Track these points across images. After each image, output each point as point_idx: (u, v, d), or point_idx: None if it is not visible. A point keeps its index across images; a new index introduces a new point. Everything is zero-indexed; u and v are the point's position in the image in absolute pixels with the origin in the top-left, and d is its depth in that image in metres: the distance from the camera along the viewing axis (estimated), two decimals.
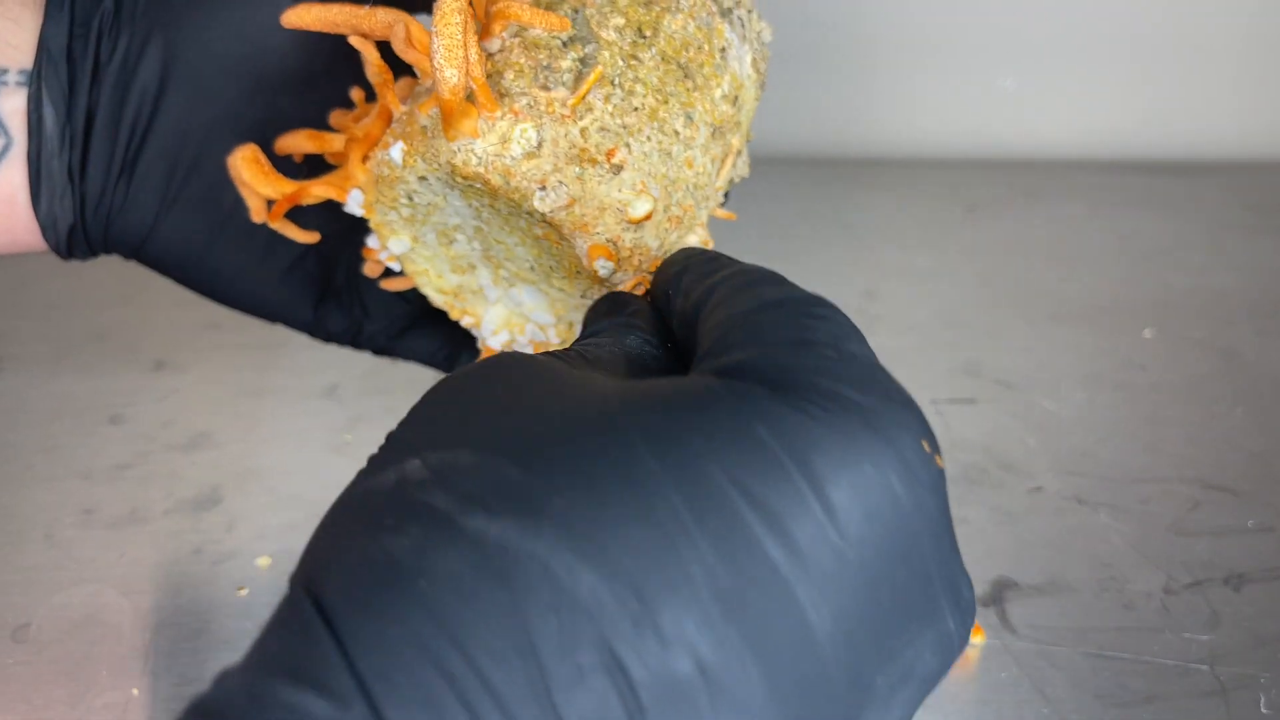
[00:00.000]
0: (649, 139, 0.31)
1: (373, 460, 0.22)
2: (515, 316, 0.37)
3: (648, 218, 0.31)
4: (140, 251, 0.37)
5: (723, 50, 0.34)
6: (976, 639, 0.42)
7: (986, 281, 0.70)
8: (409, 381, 0.57)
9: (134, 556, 0.46)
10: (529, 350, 0.37)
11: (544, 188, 0.30)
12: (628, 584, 0.18)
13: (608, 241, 0.31)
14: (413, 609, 0.18)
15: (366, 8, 0.31)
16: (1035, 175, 0.86)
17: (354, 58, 0.35)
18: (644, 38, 0.32)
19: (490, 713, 0.17)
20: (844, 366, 0.22)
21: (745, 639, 0.19)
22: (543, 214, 0.30)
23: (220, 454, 0.52)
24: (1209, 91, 0.89)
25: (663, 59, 0.32)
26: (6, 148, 0.34)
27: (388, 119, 0.33)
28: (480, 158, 0.30)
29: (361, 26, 0.31)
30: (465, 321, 0.38)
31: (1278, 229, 0.78)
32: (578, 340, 0.28)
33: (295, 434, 0.53)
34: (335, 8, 0.31)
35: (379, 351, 0.42)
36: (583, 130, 0.30)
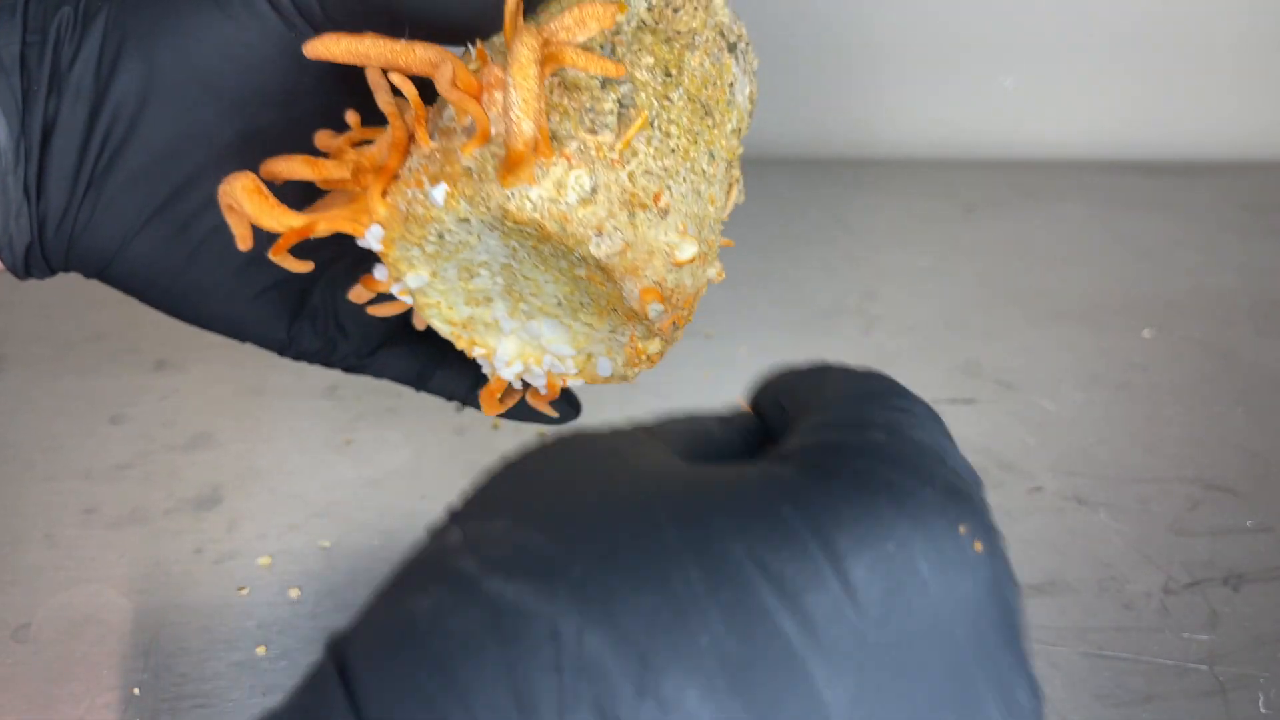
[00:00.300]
0: (685, 180, 0.32)
1: (428, 531, 0.23)
2: (531, 348, 0.36)
3: (693, 260, 0.32)
4: (106, 272, 0.35)
5: (731, 85, 0.34)
6: None
7: (986, 282, 0.70)
8: None
9: (135, 556, 0.46)
10: (542, 381, 0.37)
11: (600, 233, 0.30)
12: (633, 649, 0.18)
13: (655, 283, 0.31)
14: (422, 664, 0.19)
15: (404, 42, 0.30)
16: (1035, 175, 0.86)
17: (341, 75, 0.34)
18: (670, 76, 0.32)
19: None
20: (891, 449, 0.22)
21: (750, 712, 0.18)
22: (597, 259, 0.31)
23: (221, 454, 0.52)
24: (1208, 92, 0.89)
25: (689, 98, 0.33)
26: None
27: (404, 150, 0.32)
28: (536, 204, 0.30)
29: (399, 62, 0.29)
30: (476, 352, 0.37)
31: (1277, 229, 0.78)
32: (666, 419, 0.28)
33: (296, 434, 0.53)
34: (369, 40, 0.30)
35: (350, 370, 0.40)
36: (630, 174, 0.30)
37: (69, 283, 0.66)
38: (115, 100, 0.32)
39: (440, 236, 0.32)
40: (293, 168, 0.32)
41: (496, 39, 0.32)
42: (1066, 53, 0.87)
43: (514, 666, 0.18)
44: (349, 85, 0.36)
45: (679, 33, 0.33)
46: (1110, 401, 0.57)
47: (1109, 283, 0.70)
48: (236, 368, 0.58)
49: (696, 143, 0.32)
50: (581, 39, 0.30)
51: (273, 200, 0.31)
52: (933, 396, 0.57)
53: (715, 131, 0.33)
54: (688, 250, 0.32)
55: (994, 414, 0.56)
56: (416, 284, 0.34)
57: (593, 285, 0.32)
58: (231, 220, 0.32)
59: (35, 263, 0.34)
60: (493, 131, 0.30)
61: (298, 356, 0.40)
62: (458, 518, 0.22)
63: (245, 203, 0.31)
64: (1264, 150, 0.91)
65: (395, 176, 0.32)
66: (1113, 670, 0.40)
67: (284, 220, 0.31)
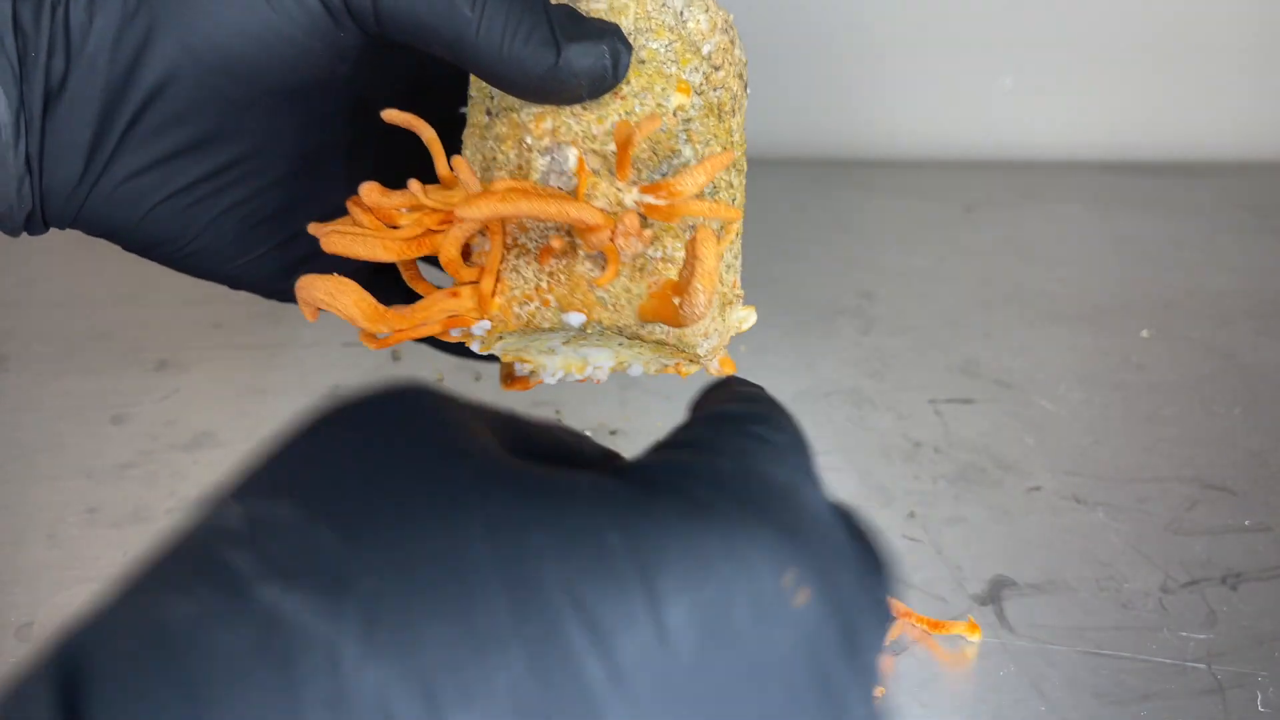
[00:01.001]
0: (737, 257, 0.34)
1: (200, 502, 0.20)
2: (576, 362, 0.36)
3: (750, 326, 0.34)
4: (109, 237, 0.34)
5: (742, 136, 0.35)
6: (974, 637, 0.42)
7: (985, 281, 0.70)
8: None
9: (137, 555, 0.46)
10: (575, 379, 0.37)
11: (706, 337, 0.32)
12: (419, 685, 0.16)
13: (725, 351, 0.34)
14: (173, 691, 0.16)
15: (553, 199, 0.29)
16: (1034, 176, 0.86)
17: (376, 73, 0.35)
18: (739, 170, 0.34)
19: None
20: (735, 481, 0.20)
21: None
22: (699, 356, 0.32)
23: (223, 453, 0.52)
24: (1207, 92, 0.89)
25: (737, 170, 0.34)
26: None
27: (502, 251, 0.32)
28: (706, 348, 0.32)
29: (570, 215, 0.29)
30: (519, 368, 0.37)
31: (1276, 229, 0.78)
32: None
33: None
34: (540, 195, 0.29)
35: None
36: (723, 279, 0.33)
37: (72, 282, 0.66)
38: (141, 80, 0.31)
39: (541, 333, 0.33)
40: (370, 249, 0.31)
41: (522, 114, 0.32)
42: (1065, 53, 0.87)
43: (285, 701, 0.16)
44: (383, 84, 0.36)
45: (722, 99, 0.34)
46: (1109, 401, 0.58)
47: (1107, 283, 0.70)
48: (238, 368, 0.58)
49: (741, 216, 0.33)
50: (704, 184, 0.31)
51: (375, 305, 0.30)
52: (931, 396, 0.57)
53: (740, 179, 0.35)
54: (751, 320, 0.34)
55: (993, 414, 0.56)
56: (498, 351, 0.35)
57: (663, 349, 0.33)
58: (306, 310, 0.31)
59: (35, 226, 0.33)
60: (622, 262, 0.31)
61: (285, 300, 0.39)
62: (242, 490, 0.19)
63: (353, 310, 0.30)
64: (1263, 150, 0.91)
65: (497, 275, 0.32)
66: (1111, 669, 0.41)
67: (393, 324, 0.31)
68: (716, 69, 0.33)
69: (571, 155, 0.31)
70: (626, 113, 0.32)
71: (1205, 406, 0.57)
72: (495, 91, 0.33)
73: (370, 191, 0.31)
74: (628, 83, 0.32)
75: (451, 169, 0.31)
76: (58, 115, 0.31)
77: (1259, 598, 0.44)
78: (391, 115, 0.31)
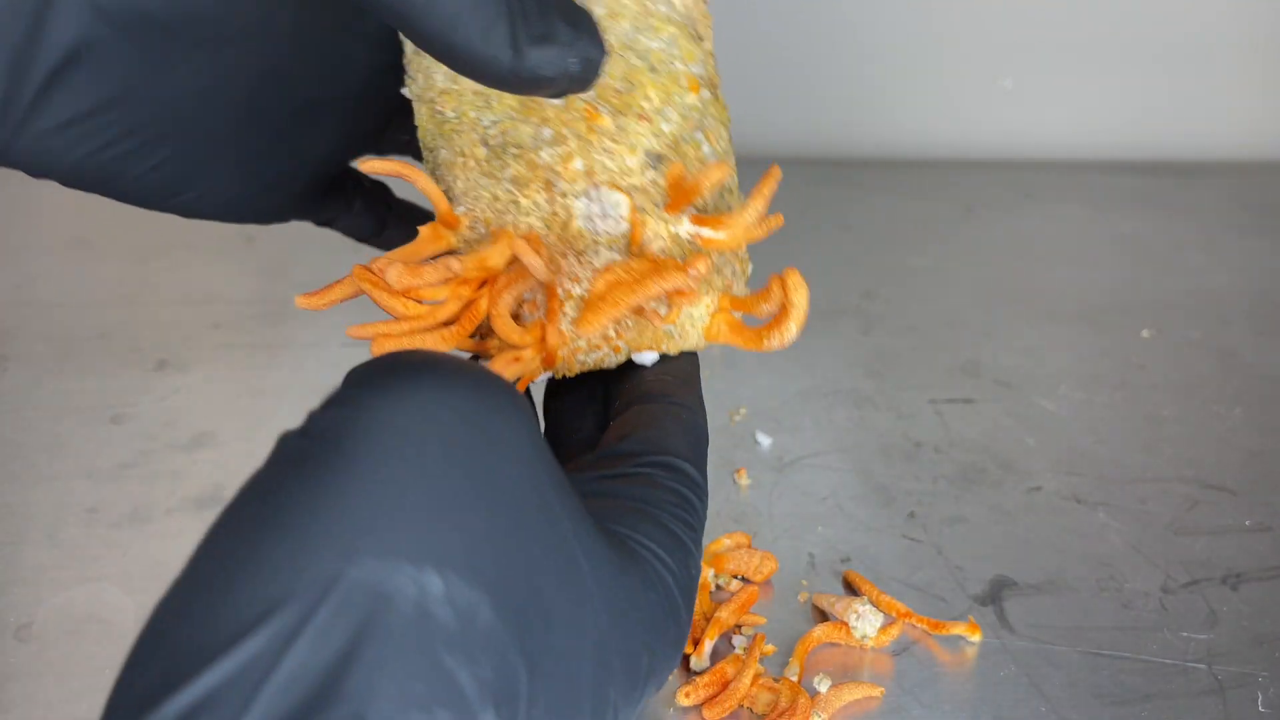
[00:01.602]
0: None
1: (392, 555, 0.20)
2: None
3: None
4: (51, 178, 0.34)
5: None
6: (974, 637, 0.42)
7: (985, 282, 0.70)
8: None
9: (136, 555, 0.46)
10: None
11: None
12: None
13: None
14: None
15: (671, 275, 0.29)
16: (1034, 176, 0.86)
17: (312, 22, 0.33)
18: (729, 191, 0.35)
19: None
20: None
21: None
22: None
23: (222, 453, 0.52)
24: (1206, 93, 0.89)
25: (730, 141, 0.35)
26: None
27: (558, 303, 0.32)
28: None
29: (672, 287, 0.30)
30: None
31: (1275, 229, 0.78)
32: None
33: None
34: (639, 286, 0.29)
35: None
36: None
37: (72, 282, 0.66)
38: (49, 39, 0.30)
39: None
40: (432, 345, 0.30)
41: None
42: (1065, 54, 0.87)
43: None
44: (317, 28, 0.34)
45: (712, 73, 0.33)
46: (1109, 401, 0.58)
47: (1108, 283, 0.70)
48: (238, 367, 0.58)
49: None
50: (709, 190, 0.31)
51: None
52: (931, 396, 0.57)
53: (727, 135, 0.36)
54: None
55: (993, 414, 0.56)
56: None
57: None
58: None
59: None
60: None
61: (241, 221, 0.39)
62: (436, 556, 0.19)
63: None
64: (1263, 150, 0.91)
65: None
66: (1112, 669, 0.41)
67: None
68: (702, 40, 0.32)
69: (621, 201, 0.31)
70: (655, 134, 0.31)
71: (1206, 406, 0.57)
72: (487, 115, 0.31)
73: (398, 275, 0.29)
74: (648, 99, 0.31)
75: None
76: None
77: (1259, 598, 0.44)
78: (371, 166, 0.30)
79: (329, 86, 0.36)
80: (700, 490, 0.30)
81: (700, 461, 0.31)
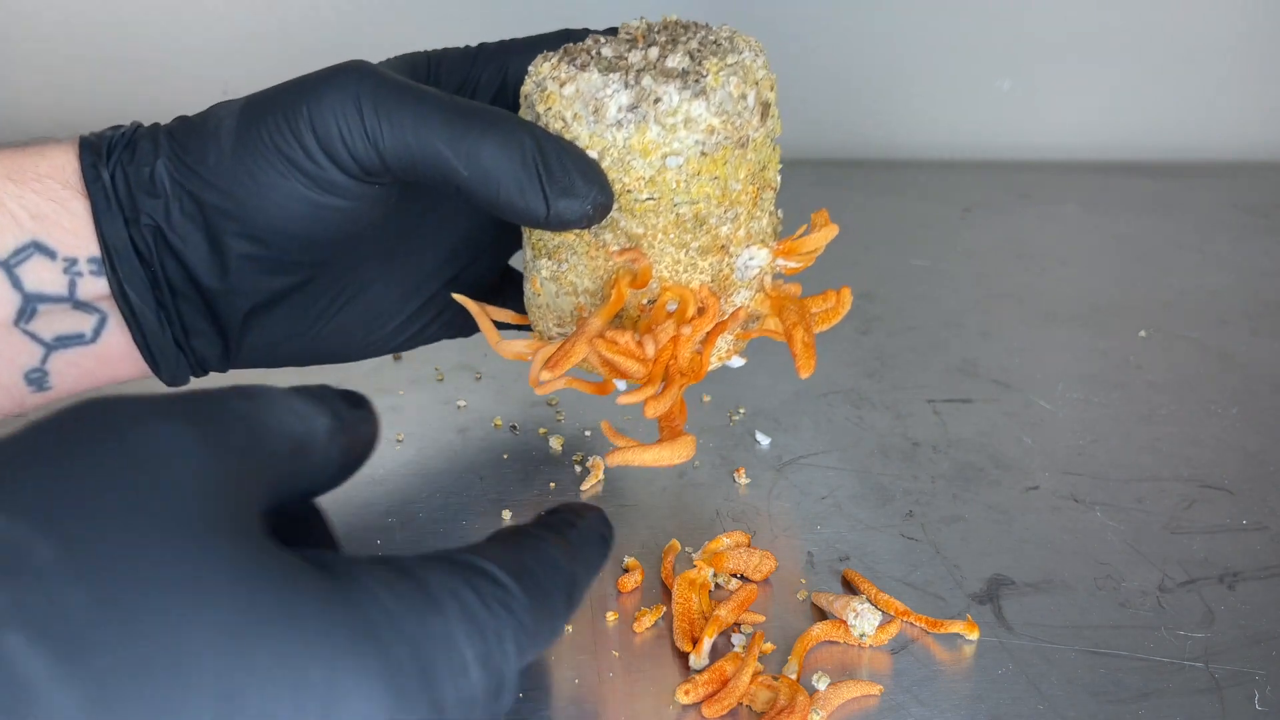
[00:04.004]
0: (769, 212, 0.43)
1: None
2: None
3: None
4: (273, 365, 0.43)
5: None
6: (972, 635, 0.42)
7: (983, 282, 0.71)
8: (410, 381, 0.57)
9: None
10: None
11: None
12: None
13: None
14: None
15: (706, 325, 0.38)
16: (1031, 176, 0.86)
17: (393, 217, 0.40)
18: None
19: None
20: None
21: None
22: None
23: None
24: (1204, 94, 0.89)
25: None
26: (103, 321, 0.38)
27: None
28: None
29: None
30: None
31: (1272, 230, 0.78)
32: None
33: None
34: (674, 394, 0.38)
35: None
36: None
37: None
38: (230, 268, 0.38)
39: None
40: (673, 455, 0.38)
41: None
42: (1062, 55, 0.88)
43: None
44: (403, 222, 0.41)
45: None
46: (1106, 401, 0.58)
47: (1105, 283, 0.70)
48: (237, 368, 0.58)
49: None
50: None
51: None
52: (930, 396, 0.58)
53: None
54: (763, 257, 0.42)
55: (991, 413, 0.56)
56: None
57: None
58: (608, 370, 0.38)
59: (197, 374, 0.41)
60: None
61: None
62: (28, 496, 0.20)
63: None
64: (1260, 151, 0.91)
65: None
66: (1109, 668, 0.41)
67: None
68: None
69: (766, 255, 0.39)
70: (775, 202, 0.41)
71: (1203, 406, 0.57)
72: (684, 198, 0.37)
73: (655, 409, 0.37)
74: (776, 174, 0.40)
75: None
76: (188, 308, 0.38)
77: (1256, 597, 0.44)
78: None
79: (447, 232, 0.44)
80: (504, 595, 0.25)
81: (527, 582, 0.26)
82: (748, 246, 0.39)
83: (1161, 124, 0.91)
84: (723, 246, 0.38)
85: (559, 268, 0.39)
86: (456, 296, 0.41)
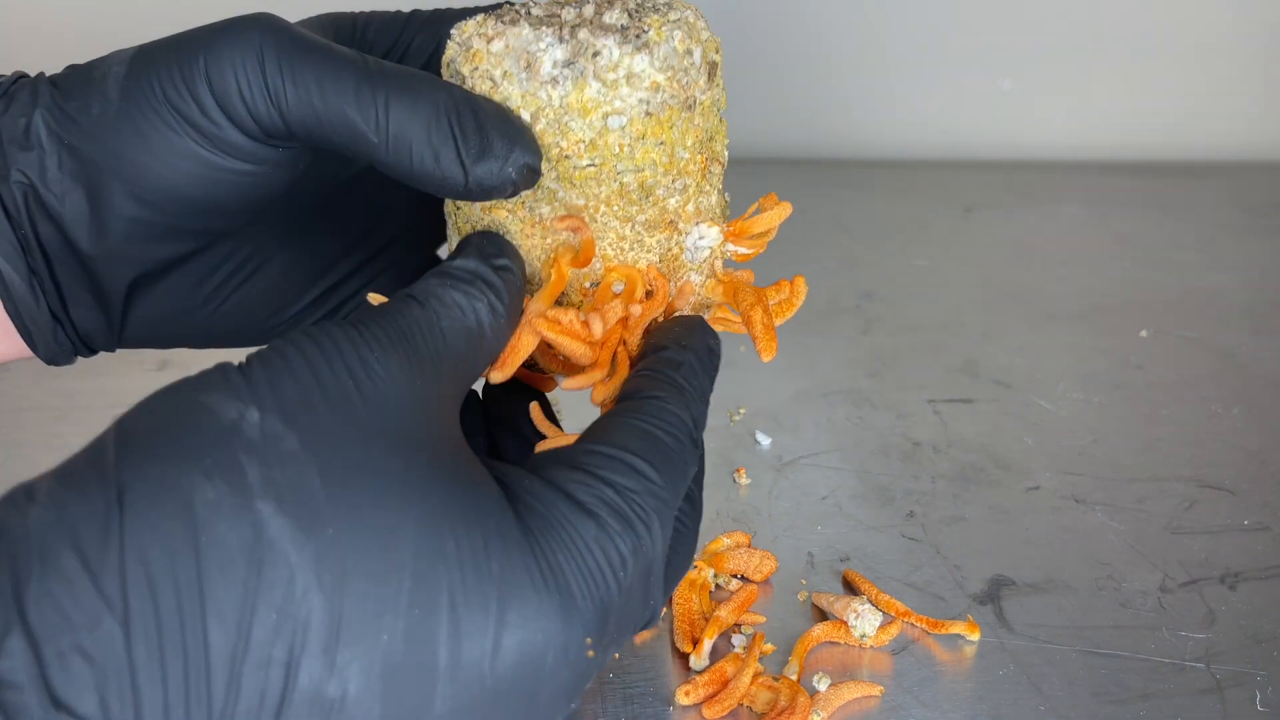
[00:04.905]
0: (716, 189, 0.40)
1: (228, 373, 0.26)
2: None
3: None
4: (165, 345, 0.40)
5: None
6: (973, 636, 0.42)
7: (984, 282, 0.70)
8: None
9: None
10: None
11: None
12: (335, 618, 0.23)
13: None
14: (185, 557, 0.23)
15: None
16: (1033, 176, 0.86)
17: (305, 186, 0.36)
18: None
19: (198, 653, 0.23)
20: (590, 563, 0.27)
21: (384, 699, 0.24)
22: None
23: None
24: (1205, 93, 0.89)
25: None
26: None
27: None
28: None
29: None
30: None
31: (1273, 229, 0.78)
32: (438, 275, 0.31)
33: None
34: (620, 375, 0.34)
35: None
36: None
37: None
38: (114, 232, 0.34)
39: None
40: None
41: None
42: (1064, 55, 0.88)
43: (253, 597, 0.23)
44: (312, 194, 0.38)
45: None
46: (1107, 401, 0.58)
47: (1106, 283, 0.70)
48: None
49: None
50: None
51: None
52: (930, 396, 0.58)
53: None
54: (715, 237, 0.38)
55: (992, 413, 0.56)
56: None
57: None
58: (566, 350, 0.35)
59: (84, 353, 0.38)
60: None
61: None
62: (258, 387, 0.25)
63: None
64: (1263, 150, 0.91)
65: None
66: (1110, 668, 0.41)
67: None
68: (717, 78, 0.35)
69: (717, 234, 0.36)
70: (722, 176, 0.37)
71: (1204, 406, 0.57)
72: (628, 165, 0.34)
73: (604, 394, 0.34)
74: (722, 146, 0.36)
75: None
76: (69, 272, 0.35)
77: (1257, 597, 0.44)
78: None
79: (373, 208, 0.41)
80: (643, 483, 0.28)
81: (658, 458, 0.29)
82: (697, 224, 0.36)
83: (1163, 123, 0.90)
84: (671, 222, 0.35)
85: None
86: (372, 296, 0.38)
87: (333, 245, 0.40)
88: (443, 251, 0.43)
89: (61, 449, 0.54)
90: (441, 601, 0.25)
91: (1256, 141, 0.91)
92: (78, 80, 0.33)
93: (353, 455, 0.25)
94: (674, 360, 0.32)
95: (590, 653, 0.27)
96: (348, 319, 0.28)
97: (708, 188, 0.36)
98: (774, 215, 0.38)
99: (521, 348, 0.33)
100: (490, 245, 0.33)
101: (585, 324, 0.33)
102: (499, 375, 0.33)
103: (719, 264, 0.38)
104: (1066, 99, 0.89)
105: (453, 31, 0.34)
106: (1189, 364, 0.61)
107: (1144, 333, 0.64)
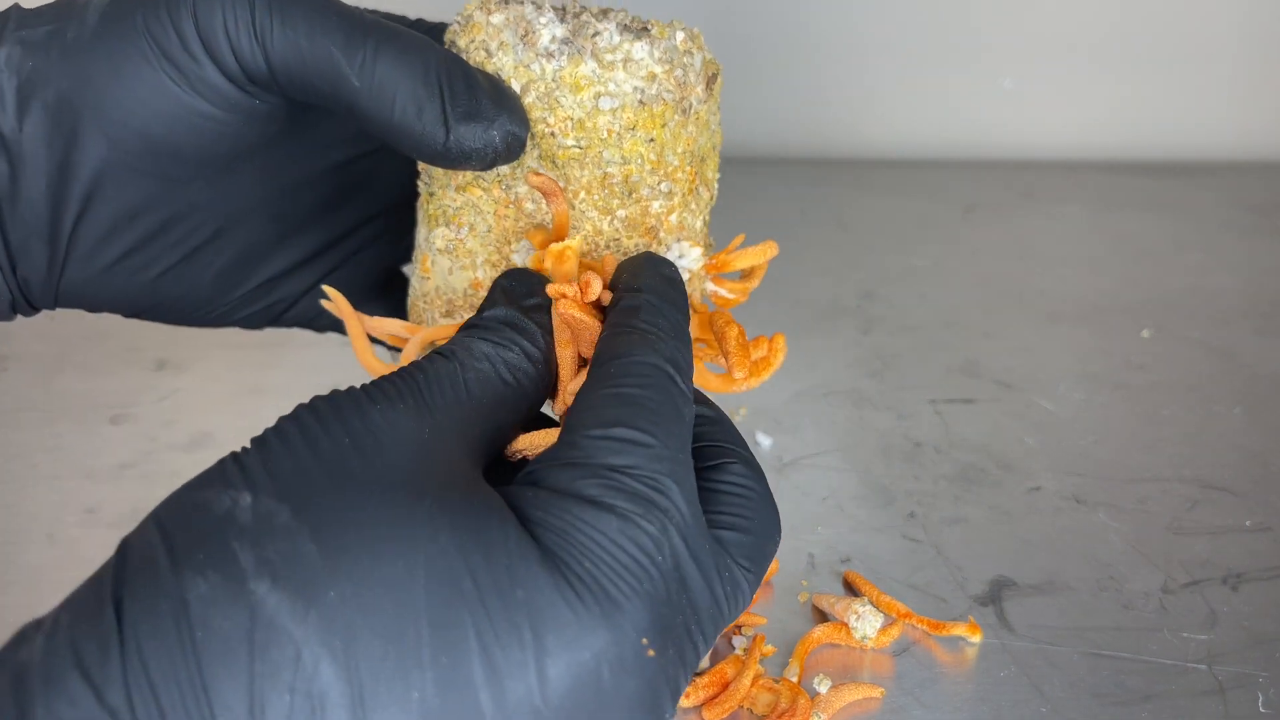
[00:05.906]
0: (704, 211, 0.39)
1: (225, 465, 0.26)
2: None
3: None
4: (94, 308, 0.37)
5: None
6: (975, 638, 0.42)
7: (985, 282, 0.70)
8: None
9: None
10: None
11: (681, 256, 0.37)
12: (355, 685, 0.22)
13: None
14: (183, 655, 0.22)
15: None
16: (1033, 176, 0.86)
17: (289, 131, 0.35)
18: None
19: None
20: (627, 556, 0.25)
21: None
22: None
23: (222, 453, 0.52)
24: (1206, 93, 0.89)
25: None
26: None
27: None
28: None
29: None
30: None
31: (1275, 229, 0.78)
32: (467, 329, 0.30)
33: None
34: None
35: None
36: None
37: None
38: (79, 173, 0.32)
39: None
40: None
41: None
42: (1065, 54, 0.87)
43: (256, 679, 0.22)
44: (298, 139, 0.37)
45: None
46: (1109, 401, 0.58)
47: (1107, 283, 0.70)
48: (237, 368, 0.58)
49: None
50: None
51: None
52: (931, 397, 0.57)
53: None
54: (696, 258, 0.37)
55: (993, 414, 0.56)
56: None
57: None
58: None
59: (22, 309, 0.35)
60: None
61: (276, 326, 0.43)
62: (249, 473, 0.25)
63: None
64: (1261, 151, 0.91)
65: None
66: (1112, 669, 0.41)
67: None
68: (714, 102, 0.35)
69: (699, 256, 0.35)
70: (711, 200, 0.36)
71: (1206, 406, 0.57)
72: (614, 154, 0.33)
73: (599, 289, 0.32)
74: (713, 170, 0.35)
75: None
76: (16, 214, 0.33)
77: (1259, 598, 0.44)
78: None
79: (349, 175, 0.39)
80: (651, 455, 0.27)
81: (662, 432, 0.27)
82: (679, 240, 0.35)
83: (1164, 123, 0.90)
84: (652, 228, 0.34)
85: (457, 234, 0.34)
86: (329, 290, 0.37)
87: (298, 215, 0.39)
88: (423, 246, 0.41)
89: (58, 449, 0.54)
90: (469, 644, 0.23)
91: (1257, 141, 0.91)
92: (57, 6, 0.32)
93: (348, 514, 0.24)
94: (630, 306, 0.30)
95: (650, 652, 0.25)
96: (366, 383, 0.27)
97: (694, 207, 0.35)
98: (759, 251, 0.36)
99: (565, 361, 0.32)
100: (520, 286, 0.32)
101: (587, 283, 0.31)
102: (561, 406, 0.32)
103: (697, 298, 0.36)
104: (1067, 99, 0.89)
105: (457, 14, 0.33)
106: (1191, 364, 0.61)
107: (1145, 333, 0.64)
